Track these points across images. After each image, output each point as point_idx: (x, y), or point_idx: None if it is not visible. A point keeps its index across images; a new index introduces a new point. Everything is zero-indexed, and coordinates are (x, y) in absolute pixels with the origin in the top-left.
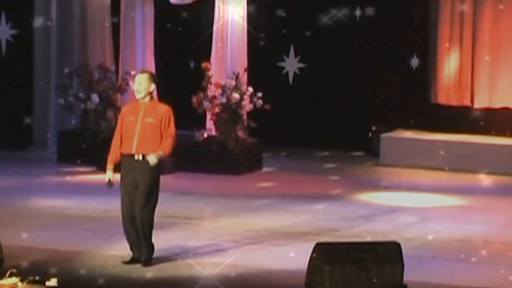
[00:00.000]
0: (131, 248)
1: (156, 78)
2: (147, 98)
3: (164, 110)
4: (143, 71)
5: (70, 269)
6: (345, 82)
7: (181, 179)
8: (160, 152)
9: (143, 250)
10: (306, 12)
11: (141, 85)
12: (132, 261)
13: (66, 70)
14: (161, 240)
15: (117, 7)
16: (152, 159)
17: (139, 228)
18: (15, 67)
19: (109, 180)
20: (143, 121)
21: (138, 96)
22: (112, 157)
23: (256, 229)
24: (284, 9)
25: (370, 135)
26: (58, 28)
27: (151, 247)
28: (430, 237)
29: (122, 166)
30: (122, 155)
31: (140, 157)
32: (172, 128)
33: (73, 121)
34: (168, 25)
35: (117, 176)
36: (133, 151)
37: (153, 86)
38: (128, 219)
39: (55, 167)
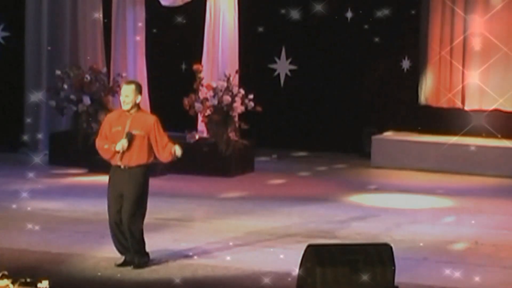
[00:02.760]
0: (122, 254)
1: (141, 88)
2: (134, 109)
3: (152, 121)
4: (129, 82)
5: (61, 271)
6: (336, 84)
7: (173, 181)
8: (175, 148)
9: (135, 258)
10: (297, 14)
11: (128, 97)
12: (125, 263)
13: (58, 72)
14: (152, 242)
15: (108, 9)
16: (178, 151)
17: (127, 236)
18: (7, 69)
19: (124, 144)
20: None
21: (124, 108)
22: (108, 147)
23: (248, 231)
24: (275, 11)
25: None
26: (50, 30)
27: (145, 255)
28: (421, 239)
29: (110, 176)
30: (111, 165)
31: (127, 168)
32: (165, 138)
33: (64, 123)
34: (159, 27)
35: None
36: (119, 162)
37: (139, 98)
38: (115, 228)
39: (46, 169)
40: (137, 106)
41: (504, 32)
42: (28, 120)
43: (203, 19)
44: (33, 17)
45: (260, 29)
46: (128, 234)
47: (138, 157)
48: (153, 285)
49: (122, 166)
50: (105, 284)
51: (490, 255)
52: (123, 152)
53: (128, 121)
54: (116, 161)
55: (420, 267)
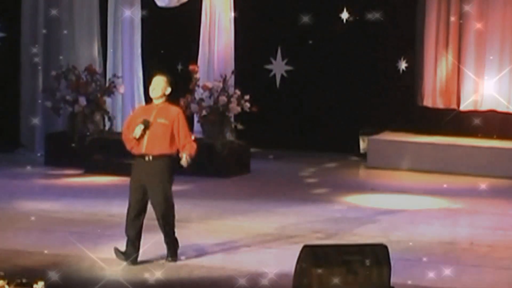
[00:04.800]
0: (127, 244)
1: (172, 82)
2: (161, 100)
3: (176, 112)
4: (162, 73)
5: (57, 272)
6: (332, 85)
7: None
8: (187, 154)
9: (169, 248)
10: (294, 15)
11: (158, 85)
12: (124, 254)
13: (54, 73)
14: (148, 243)
15: (104, 10)
16: (184, 162)
17: (141, 228)
18: (2, 69)
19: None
20: (154, 122)
21: (153, 96)
22: (131, 137)
23: (244, 231)
24: (271, 11)
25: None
26: (46, 30)
27: (176, 243)
28: (417, 239)
29: (133, 166)
30: (134, 156)
31: (150, 158)
32: (187, 132)
33: (60, 124)
34: (155, 28)
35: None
36: (143, 151)
37: (169, 90)
38: (133, 217)
39: (42, 170)
40: (165, 97)
41: (500, 33)
42: (24, 120)
43: (199, 19)
44: (29, 18)
45: (256, 29)
46: (163, 226)
47: (161, 146)
48: (150, 285)
49: (146, 157)
50: (101, 285)
51: (486, 255)
52: (147, 140)
53: (154, 112)
54: (140, 150)
55: (416, 267)
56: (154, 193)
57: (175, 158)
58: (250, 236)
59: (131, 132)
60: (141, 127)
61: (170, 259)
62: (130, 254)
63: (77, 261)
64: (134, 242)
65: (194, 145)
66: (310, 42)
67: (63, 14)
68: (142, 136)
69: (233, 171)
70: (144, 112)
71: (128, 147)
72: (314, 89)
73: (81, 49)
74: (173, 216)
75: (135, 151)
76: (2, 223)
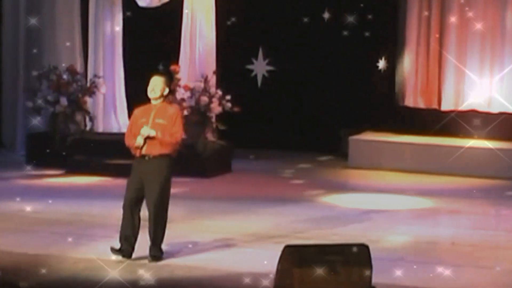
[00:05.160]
0: (121, 240)
1: (170, 82)
2: (160, 100)
3: (173, 111)
4: (160, 74)
5: (38, 273)
6: (314, 85)
7: None
8: (159, 134)
9: (151, 250)
10: (275, 15)
11: (157, 86)
12: (120, 251)
13: (35, 73)
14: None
15: (85, 10)
16: (145, 130)
17: (136, 227)
18: None
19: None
20: (153, 122)
21: (152, 96)
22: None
23: (225, 231)
24: (253, 12)
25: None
26: (27, 30)
27: (160, 249)
28: (398, 239)
29: (133, 165)
30: (133, 155)
31: (150, 157)
32: (178, 128)
33: (41, 124)
34: (136, 28)
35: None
36: (144, 152)
37: (167, 90)
38: (128, 214)
39: (23, 170)
40: (163, 98)
41: (482, 33)
42: (5, 121)
43: (180, 19)
44: (10, 18)
45: (238, 30)
46: (152, 225)
47: (161, 147)
48: (131, 285)
49: (145, 157)
50: (82, 285)
51: (467, 255)
52: (148, 143)
53: (153, 112)
54: (140, 151)
55: (397, 267)
56: (150, 190)
57: (175, 159)
58: (231, 236)
59: (134, 139)
60: (141, 138)
61: (151, 259)
62: (126, 250)
63: (59, 262)
64: (130, 239)
65: (171, 140)
66: (291, 42)
67: (45, 14)
68: (143, 145)
69: (215, 171)
70: (143, 113)
71: (133, 152)
72: (295, 89)
73: (62, 49)
74: (165, 218)
75: (135, 152)
76: None
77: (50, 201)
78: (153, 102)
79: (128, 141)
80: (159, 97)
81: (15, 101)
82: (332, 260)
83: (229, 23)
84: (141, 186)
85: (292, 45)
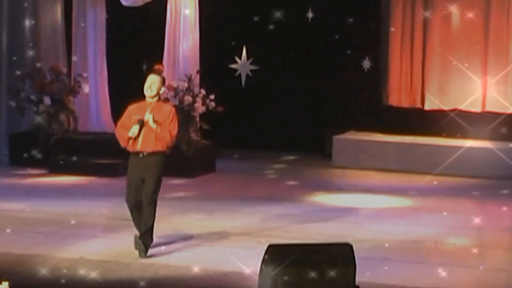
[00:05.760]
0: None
1: (165, 81)
2: (155, 99)
3: (169, 109)
4: (156, 73)
5: (22, 272)
6: (298, 84)
7: None
8: (158, 129)
9: (143, 238)
10: (259, 14)
11: (154, 84)
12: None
13: (18, 73)
14: (114, 243)
15: (69, 9)
16: (147, 115)
17: (140, 223)
18: None
19: (135, 131)
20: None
21: (148, 94)
22: (125, 134)
23: (209, 231)
24: (236, 11)
25: None
26: (10, 30)
27: (150, 240)
28: (382, 238)
29: (129, 163)
30: (129, 153)
31: (145, 155)
32: (174, 126)
33: (24, 124)
34: (120, 27)
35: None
36: (139, 148)
37: (163, 89)
38: (137, 214)
39: (6, 170)
40: (158, 96)
41: (465, 32)
42: None
43: (164, 19)
44: None
45: (221, 29)
46: (146, 215)
47: (155, 144)
48: (115, 285)
49: (140, 155)
50: (66, 285)
51: (450, 254)
52: (142, 139)
53: (148, 110)
54: (135, 148)
55: (381, 266)
56: (146, 183)
57: (167, 156)
58: (216, 235)
59: (126, 131)
60: (137, 126)
61: (142, 254)
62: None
63: (42, 261)
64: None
65: (169, 138)
66: (275, 41)
67: (28, 13)
68: (138, 135)
69: (199, 170)
70: (138, 110)
71: (122, 144)
72: (280, 89)
73: (46, 49)
74: (154, 212)
75: (130, 148)
76: None
77: (33, 201)
78: (148, 100)
79: (119, 133)
80: (155, 95)
81: None
82: (316, 260)
83: (212, 22)
84: (140, 184)
85: (276, 44)
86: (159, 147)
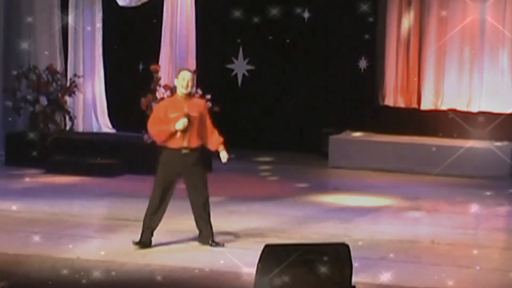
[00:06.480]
0: (145, 234)
1: None
2: (188, 95)
3: (202, 103)
4: (188, 70)
5: (18, 273)
6: (294, 84)
7: (130, 181)
8: (222, 147)
9: (209, 232)
10: (255, 14)
11: (190, 82)
12: (139, 243)
13: (14, 72)
14: (110, 243)
15: (65, 10)
16: (225, 156)
17: (161, 219)
18: None
19: (185, 123)
20: (189, 115)
21: (184, 91)
22: (165, 128)
23: None
24: (233, 11)
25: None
26: (6, 30)
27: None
28: (378, 238)
29: (166, 159)
30: (166, 148)
31: (188, 151)
32: (211, 123)
33: (21, 124)
34: (117, 27)
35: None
36: (185, 144)
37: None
38: (157, 209)
39: (3, 170)
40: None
41: (461, 32)
42: None
43: (161, 19)
44: None
45: (218, 29)
46: (205, 217)
47: (197, 139)
48: (111, 285)
49: (183, 150)
50: (62, 285)
51: (446, 254)
52: (186, 134)
53: (185, 106)
54: (177, 143)
55: (377, 266)
56: (197, 183)
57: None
58: None
59: (165, 125)
60: (185, 120)
61: (213, 243)
62: (146, 242)
63: (39, 261)
64: (152, 232)
65: (221, 138)
66: (271, 41)
67: (24, 13)
68: (183, 129)
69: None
70: (173, 106)
71: (160, 139)
72: (276, 88)
73: (42, 49)
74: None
75: (171, 144)
76: None
77: (29, 201)
78: (181, 95)
79: (158, 127)
80: (190, 92)
81: None
82: (312, 260)
83: (209, 22)
84: (175, 181)
85: (272, 44)
86: (200, 142)
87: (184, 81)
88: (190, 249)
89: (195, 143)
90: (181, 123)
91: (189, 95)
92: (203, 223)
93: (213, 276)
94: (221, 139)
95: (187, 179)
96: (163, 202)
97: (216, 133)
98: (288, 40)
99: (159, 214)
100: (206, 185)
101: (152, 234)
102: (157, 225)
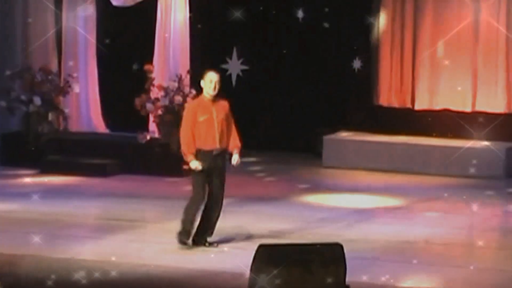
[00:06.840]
0: (192, 233)
1: None
2: (215, 96)
3: (227, 105)
4: (215, 72)
5: (14, 273)
6: (288, 84)
7: (125, 181)
8: (237, 151)
9: (208, 233)
10: (249, 14)
11: (218, 82)
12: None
13: (8, 73)
14: (105, 243)
15: (59, 9)
16: (237, 160)
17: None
18: None
19: (198, 166)
20: (218, 118)
21: (212, 93)
22: (190, 149)
23: None
24: (226, 11)
25: None
26: (0, 30)
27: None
28: (372, 238)
29: (201, 160)
30: (200, 150)
31: (218, 152)
32: (233, 122)
33: (15, 124)
34: (111, 27)
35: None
36: (217, 146)
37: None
38: (198, 210)
39: None
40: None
41: (455, 32)
42: None
43: (155, 19)
44: None
45: (212, 29)
46: (215, 219)
47: (228, 139)
48: (106, 285)
49: (214, 151)
50: (57, 285)
51: (441, 254)
52: (219, 136)
53: (213, 108)
54: (213, 145)
55: (371, 266)
56: (219, 182)
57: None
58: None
59: (191, 136)
60: (198, 165)
61: (208, 244)
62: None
63: (34, 262)
64: (193, 231)
65: (240, 143)
66: (266, 41)
67: (18, 13)
68: (211, 133)
69: (189, 170)
70: (202, 109)
71: (182, 149)
72: (270, 89)
73: (36, 49)
74: None
75: (203, 146)
76: None
77: (24, 201)
78: (209, 97)
79: (188, 137)
80: (217, 94)
81: None
82: (306, 260)
83: (203, 22)
84: (208, 179)
85: (267, 44)
86: (228, 143)
87: (211, 83)
88: (184, 249)
89: (224, 144)
90: (194, 165)
91: (216, 97)
92: (211, 224)
93: (209, 276)
94: (239, 144)
95: (215, 180)
96: (203, 204)
97: (236, 135)
98: (282, 41)
99: (198, 215)
100: (224, 181)
101: (192, 234)
102: (194, 225)
